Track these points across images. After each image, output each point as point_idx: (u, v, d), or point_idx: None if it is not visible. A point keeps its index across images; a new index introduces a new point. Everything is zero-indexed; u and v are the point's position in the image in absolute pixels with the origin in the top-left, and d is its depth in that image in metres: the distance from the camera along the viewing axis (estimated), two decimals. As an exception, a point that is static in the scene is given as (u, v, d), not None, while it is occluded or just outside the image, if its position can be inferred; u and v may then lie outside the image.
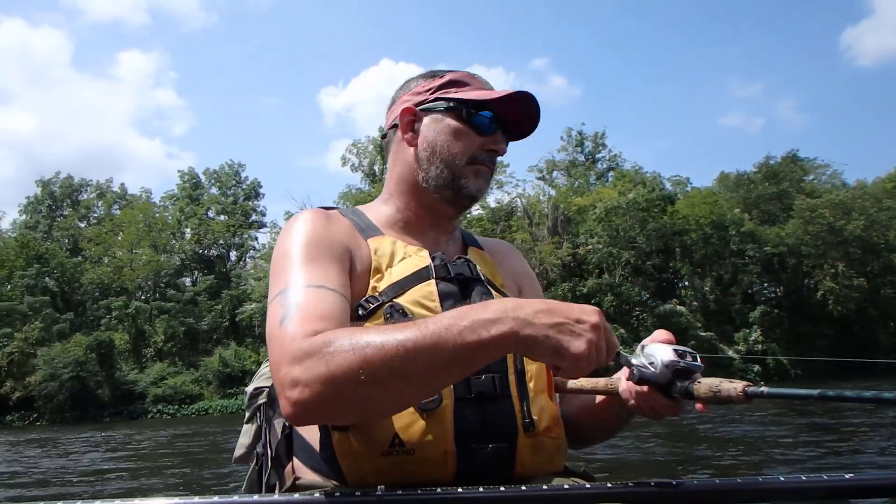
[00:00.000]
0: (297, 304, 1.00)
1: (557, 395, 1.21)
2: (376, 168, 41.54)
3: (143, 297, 41.07)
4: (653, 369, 0.99)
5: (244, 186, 46.12)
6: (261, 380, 1.24)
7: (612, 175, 45.09)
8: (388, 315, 1.06)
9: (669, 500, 0.90)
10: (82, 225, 47.48)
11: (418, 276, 1.12)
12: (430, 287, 1.11)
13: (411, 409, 1.01)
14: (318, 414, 0.93)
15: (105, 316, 38.96)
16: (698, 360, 1.00)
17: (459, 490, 0.86)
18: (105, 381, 34.84)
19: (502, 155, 1.22)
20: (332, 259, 1.09)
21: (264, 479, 1.16)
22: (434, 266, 1.14)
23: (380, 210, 1.26)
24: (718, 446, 8.85)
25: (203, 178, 46.42)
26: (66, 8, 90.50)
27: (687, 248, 38.66)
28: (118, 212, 46.70)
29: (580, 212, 38.33)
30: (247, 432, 1.23)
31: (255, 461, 1.20)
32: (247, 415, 1.25)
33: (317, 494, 0.85)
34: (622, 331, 35.34)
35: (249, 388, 1.24)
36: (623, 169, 44.69)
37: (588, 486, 0.94)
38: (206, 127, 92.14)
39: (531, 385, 1.09)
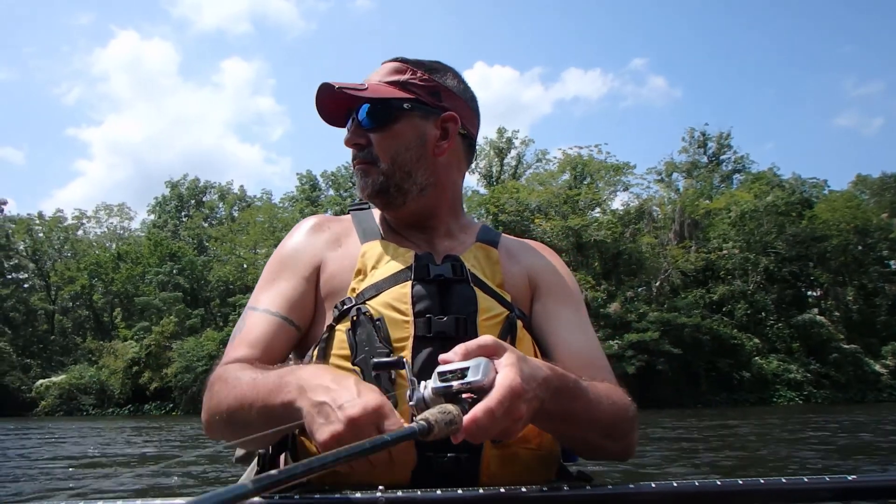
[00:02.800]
0: (240, 328, 1.16)
1: None
2: (494, 170, 41.17)
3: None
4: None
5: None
6: None
7: (739, 177, 43.01)
8: (355, 318, 1.07)
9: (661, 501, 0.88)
10: (205, 225, 49.50)
11: (396, 279, 1.11)
12: (404, 289, 1.09)
13: None
14: (209, 434, 1.08)
15: (232, 313, 40.29)
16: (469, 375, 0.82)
17: (459, 491, 0.86)
18: (235, 375, 35.96)
19: (349, 145, 1.21)
20: (294, 275, 1.19)
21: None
22: (415, 267, 1.11)
23: (386, 214, 1.28)
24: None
25: (321, 180, 47.55)
26: (176, 20, 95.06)
27: (823, 255, 36.31)
28: (236, 213, 48.41)
29: (707, 215, 36.66)
30: None
31: (256, 462, 1.18)
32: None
33: (317, 496, 0.86)
34: (756, 340, 33.52)
35: None
36: (751, 171, 42.54)
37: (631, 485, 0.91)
38: (302, 132, 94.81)
39: None
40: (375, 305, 1.08)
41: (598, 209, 36.44)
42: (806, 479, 0.89)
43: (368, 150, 1.18)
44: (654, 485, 0.87)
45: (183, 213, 50.68)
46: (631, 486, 0.88)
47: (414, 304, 1.08)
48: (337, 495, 0.84)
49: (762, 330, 34.62)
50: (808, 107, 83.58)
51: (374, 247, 1.19)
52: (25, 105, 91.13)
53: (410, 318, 1.06)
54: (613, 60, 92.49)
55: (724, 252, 34.23)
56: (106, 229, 51.30)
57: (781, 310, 35.21)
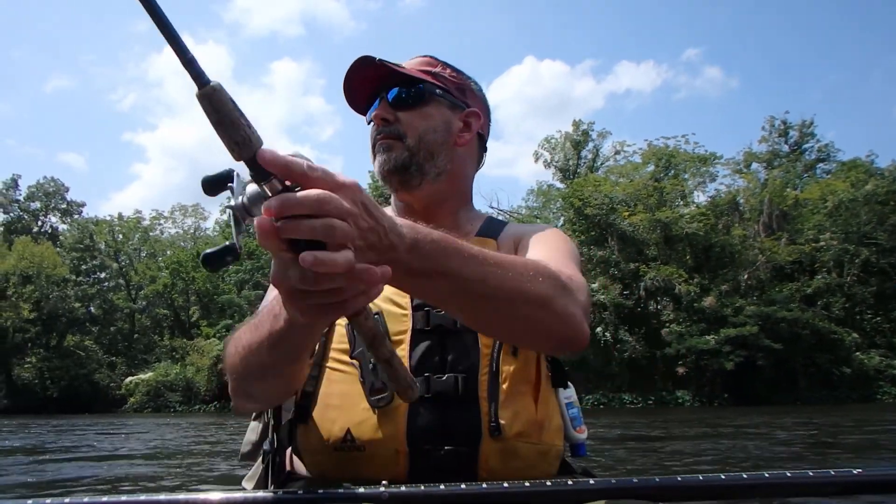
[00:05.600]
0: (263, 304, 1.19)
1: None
2: (571, 163, 40.48)
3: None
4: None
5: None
6: None
7: (824, 166, 41.57)
8: None
9: (659, 495, 0.88)
10: (277, 224, 49.90)
11: None
12: None
13: (365, 406, 1.02)
14: (238, 405, 1.09)
15: (310, 310, 40.59)
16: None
17: (462, 486, 0.87)
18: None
19: (378, 120, 1.22)
20: None
21: (270, 476, 1.16)
22: None
23: (392, 206, 1.31)
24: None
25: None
26: (229, 24, 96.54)
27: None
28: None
29: (796, 206, 35.44)
30: (254, 429, 1.22)
31: (262, 459, 1.19)
32: (254, 413, 1.24)
33: (321, 491, 0.88)
34: (855, 335, 32.29)
35: None
36: (837, 159, 41.05)
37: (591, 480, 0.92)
38: (352, 131, 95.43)
39: (504, 387, 1.04)
40: (375, 300, 0.99)
41: (681, 201, 35.56)
42: (811, 473, 0.88)
43: (395, 126, 1.20)
44: (658, 479, 0.87)
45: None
46: (635, 479, 0.88)
47: (412, 297, 1.08)
48: (340, 490, 0.85)
49: (860, 324, 33.34)
50: (871, 93, 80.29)
51: None
52: (85, 112, 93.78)
53: (409, 311, 1.08)
54: (666, 52, 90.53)
55: (822, 244, 32.99)
56: (181, 230, 52.29)
57: (880, 303, 33.84)
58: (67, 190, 52.19)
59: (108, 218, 49.97)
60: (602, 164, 40.66)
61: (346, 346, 1.09)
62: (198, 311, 44.87)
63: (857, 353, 31.65)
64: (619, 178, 35.82)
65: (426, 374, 1.04)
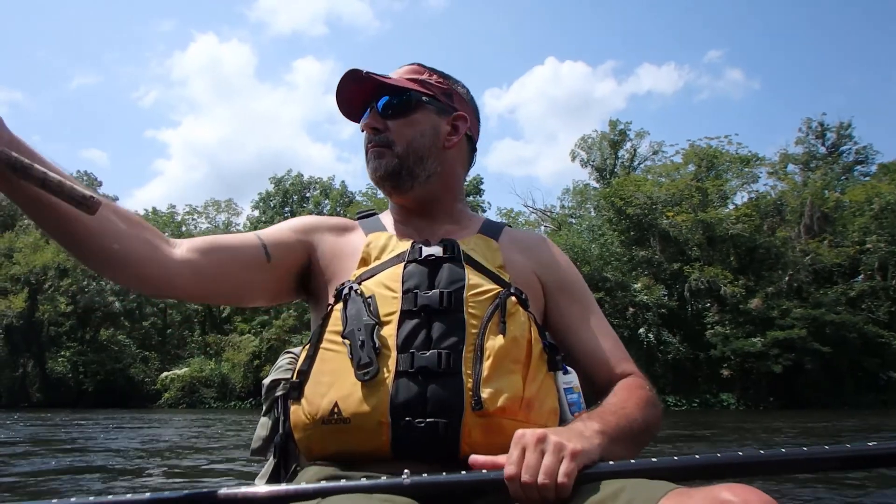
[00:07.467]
0: None
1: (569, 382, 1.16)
2: (608, 163, 40.24)
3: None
4: None
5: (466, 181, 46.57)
6: (279, 372, 1.26)
7: (861, 168, 41.13)
8: (347, 294, 1.14)
9: (682, 473, 0.88)
10: (309, 220, 49.81)
11: (391, 262, 1.19)
12: (397, 270, 1.16)
13: (352, 380, 1.05)
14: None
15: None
16: None
17: (483, 471, 0.90)
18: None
19: (368, 129, 1.28)
20: (291, 228, 1.31)
21: (282, 472, 1.19)
22: (410, 251, 1.19)
23: (389, 210, 1.38)
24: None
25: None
26: (253, 22, 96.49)
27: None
28: (339, 209, 48.68)
29: (837, 208, 35.08)
30: (264, 425, 1.23)
31: (272, 454, 1.20)
32: (264, 407, 1.26)
33: (343, 482, 0.89)
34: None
35: (267, 381, 1.25)
36: (876, 162, 40.60)
37: None
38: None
39: (488, 363, 1.05)
40: (369, 285, 1.15)
41: (719, 202, 35.24)
42: (826, 448, 0.87)
43: (385, 135, 1.26)
44: (655, 460, 0.88)
45: (286, 209, 51.16)
46: (610, 463, 0.89)
47: (404, 282, 1.13)
48: (363, 480, 0.87)
49: (904, 328, 32.96)
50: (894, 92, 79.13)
51: (378, 238, 1.25)
52: (109, 108, 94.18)
53: (399, 295, 1.12)
54: (687, 53, 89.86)
55: (869, 246, 32.63)
56: (213, 225, 52.30)
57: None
58: (101, 185, 52.29)
59: (144, 212, 50.02)
60: (639, 164, 40.41)
61: (340, 327, 1.12)
62: (230, 307, 44.87)
63: (904, 358, 31.30)
64: (659, 177, 35.55)
65: (411, 351, 1.06)
